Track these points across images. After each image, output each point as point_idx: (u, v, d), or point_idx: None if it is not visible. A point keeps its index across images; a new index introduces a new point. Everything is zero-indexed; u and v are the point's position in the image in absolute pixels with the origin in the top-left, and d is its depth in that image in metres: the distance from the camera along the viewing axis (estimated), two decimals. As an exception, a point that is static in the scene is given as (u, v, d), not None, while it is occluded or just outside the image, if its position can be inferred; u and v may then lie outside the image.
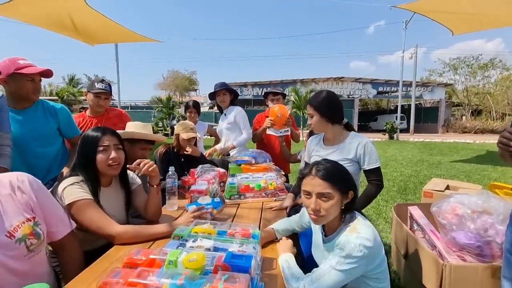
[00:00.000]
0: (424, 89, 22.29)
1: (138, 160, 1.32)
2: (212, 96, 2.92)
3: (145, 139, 1.78)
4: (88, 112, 2.26)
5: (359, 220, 1.02)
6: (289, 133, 2.58)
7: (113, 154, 1.23)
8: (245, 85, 22.05)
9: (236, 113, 2.78)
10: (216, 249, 0.90)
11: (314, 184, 1.00)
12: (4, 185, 0.89)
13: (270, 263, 1.04)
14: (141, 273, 0.72)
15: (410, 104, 18.57)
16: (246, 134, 2.77)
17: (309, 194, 1.02)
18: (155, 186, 1.37)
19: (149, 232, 1.20)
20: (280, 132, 2.52)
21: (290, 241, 1.16)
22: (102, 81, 2.23)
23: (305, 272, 0.98)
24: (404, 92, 20.44)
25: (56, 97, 18.04)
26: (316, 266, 1.18)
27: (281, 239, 1.24)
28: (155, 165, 1.34)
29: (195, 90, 34.99)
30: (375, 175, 1.55)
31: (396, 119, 16.76)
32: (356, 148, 1.55)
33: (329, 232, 1.09)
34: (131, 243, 1.15)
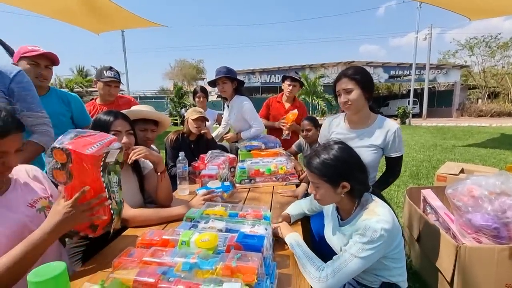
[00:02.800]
0: (438, 71, 21.45)
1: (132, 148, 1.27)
2: (212, 84, 2.54)
3: (143, 118, 1.69)
4: (98, 100, 2.29)
5: (377, 202, 1.00)
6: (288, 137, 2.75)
7: (124, 139, 1.24)
8: (252, 72, 21.74)
9: (241, 107, 2.44)
10: (228, 230, 0.91)
11: (307, 172, 1.06)
12: (21, 171, 0.99)
13: (282, 244, 1.04)
14: (155, 252, 0.74)
15: (423, 88, 17.95)
16: (256, 129, 2.50)
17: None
18: (159, 173, 1.36)
19: (162, 215, 1.23)
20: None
21: (285, 223, 1.15)
22: (111, 68, 2.21)
23: (316, 255, 0.97)
24: (417, 76, 19.76)
25: (66, 89, 18.31)
26: (328, 248, 1.18)
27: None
28: (143, 151, 1.26)
29: (203, 79, 34.86)
30: (398, 163, 1.49)
31: (409, 103, 16.28)
32: (385, 134, 1.43)
33: (345, 216, 1.07)
34: (144, 225, 1.18)
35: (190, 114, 2.18)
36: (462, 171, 2.61)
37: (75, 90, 18.32)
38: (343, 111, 1.56)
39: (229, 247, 0.77)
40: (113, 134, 1.22)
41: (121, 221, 1.17)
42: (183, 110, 16.06)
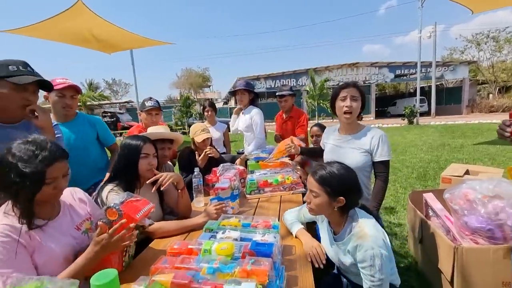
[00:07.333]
0: (445, 68, 21.20)
1: (156, 176, 1.46)
2: (232, 93, 3.03)
3: (161, 138, 1.87)
4: (143, 125, 2.57)
5: (363, 219, 1.11)
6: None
7: (153, 160, 1.45)
8: (257, 78, 22.00)
9: (252, 115, 2.76)
10: (242, 239, 1.06)
11: (310, 181, 1.17)
12: (67, 194, 1.15)
13: (290, 250, 1.19)
14: (184, 260, 0.89)
15: (431, 85, 17.74)
16: (257, 141, 2.74)
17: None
18: (179, 190, 1.55)
19: (184, 225, 1.40)
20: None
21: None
22: (150, 98, 2.53)
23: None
24: (424, 74, 19.58)
25: (79, 103, 18.90)
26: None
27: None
28: (173, 177, 1.48)
29: (209, 86, 35.34)
30: (383, 168, 1.59)
31: (416, 102, 16.10)
32: (371, 139, 1.60)
33: (336, 229, 1.20)
34: (167, 236, 1.35)
35: (195, 133, 2.28)
36: (467, 172, 2.68)
37: (87, 103, 18.91)
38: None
39: (244, 254, 0.92)
40: (143, 156, 1.43)
41: (146, 233, 1.34)
42: (190, 119, 16.41)
